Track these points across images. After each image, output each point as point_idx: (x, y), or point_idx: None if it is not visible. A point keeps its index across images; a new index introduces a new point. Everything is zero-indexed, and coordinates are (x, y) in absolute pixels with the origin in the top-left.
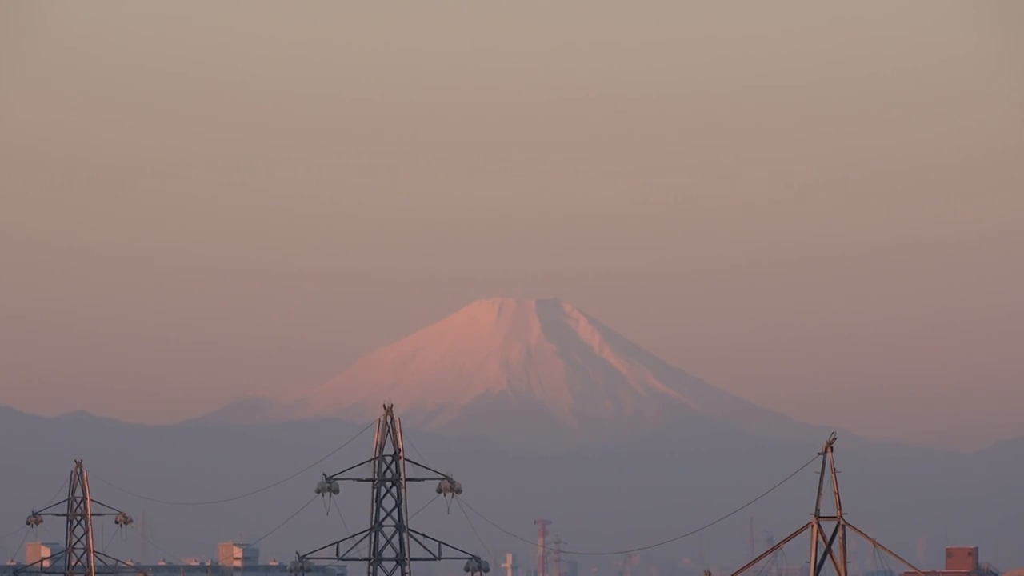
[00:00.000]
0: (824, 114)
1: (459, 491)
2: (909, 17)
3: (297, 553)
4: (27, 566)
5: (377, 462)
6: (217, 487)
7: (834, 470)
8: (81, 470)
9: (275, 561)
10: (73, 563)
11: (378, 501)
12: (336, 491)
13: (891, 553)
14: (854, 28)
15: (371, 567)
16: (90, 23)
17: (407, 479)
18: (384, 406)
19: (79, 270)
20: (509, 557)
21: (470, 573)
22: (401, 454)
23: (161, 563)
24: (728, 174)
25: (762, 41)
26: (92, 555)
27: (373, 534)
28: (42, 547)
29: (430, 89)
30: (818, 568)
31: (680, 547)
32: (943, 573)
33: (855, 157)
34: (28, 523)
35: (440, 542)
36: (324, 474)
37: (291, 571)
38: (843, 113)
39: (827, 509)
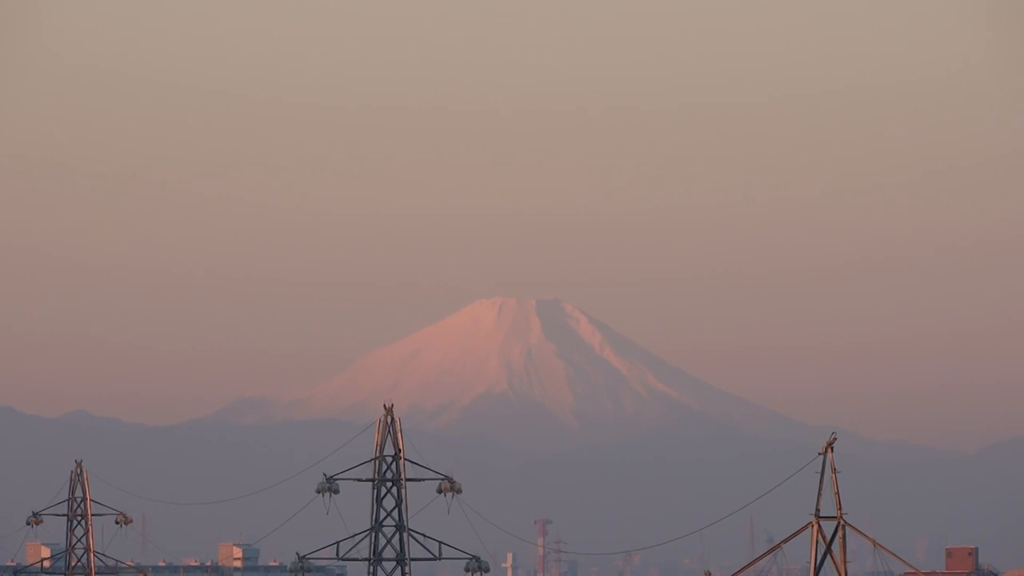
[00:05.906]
0: (828, 120)
1: (459, 491)
2: (919, 26)
3: (297, 553)
4: (27, 566)
5: (377, 462)
6: (217, 487)
7: (834, 470)
8: (81, 470)
9: (275, 561)
10: (73, 563)
11: (378, 501)
12: (336, 491)
13: (891, 553)
14: (862, 36)
15: (371, 567)
16: (84, 30)
17: (407, 479)
18: (384, 406)
19: (79, 272)
20: (509, 557)
21: (470, 573)
22: (401, 454)
23: (161, 563)
24: (729, 177)
25: (768, 48)
26: (92, 555)
27: (373, 534)
28: (42, 547)
29: (433, 90)
30: (818, 568)
31: (680, 547)
32: (943, 573)
33: (857, 163)
34: (28, 523)
35: (440, 542)
36: (324, 474)
37: (291, 571)
38: (847, 120)
39: (827, 509)
